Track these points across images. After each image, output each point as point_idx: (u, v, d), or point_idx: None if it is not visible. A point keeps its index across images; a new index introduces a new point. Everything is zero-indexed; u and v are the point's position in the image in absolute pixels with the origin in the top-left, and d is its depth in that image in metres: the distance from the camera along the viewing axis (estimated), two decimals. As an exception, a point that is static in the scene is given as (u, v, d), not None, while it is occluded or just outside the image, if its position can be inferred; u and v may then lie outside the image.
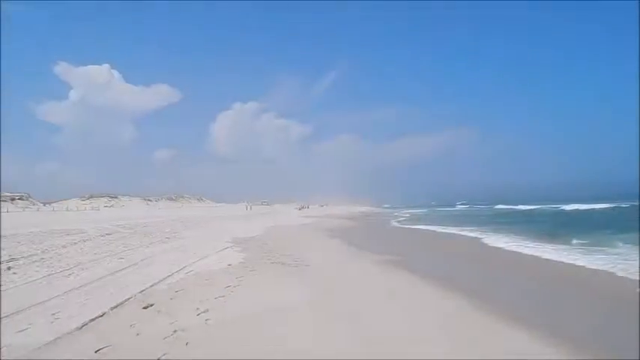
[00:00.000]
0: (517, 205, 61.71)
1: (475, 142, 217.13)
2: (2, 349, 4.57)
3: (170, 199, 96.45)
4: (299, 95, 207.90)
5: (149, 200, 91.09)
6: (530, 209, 50.14)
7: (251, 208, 71.85)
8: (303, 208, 79.56)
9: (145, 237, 16.74)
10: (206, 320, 5.63)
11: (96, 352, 4.50)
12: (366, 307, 6.63)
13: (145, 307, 6.23)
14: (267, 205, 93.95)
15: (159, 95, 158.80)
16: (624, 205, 40.65)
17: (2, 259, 9.80)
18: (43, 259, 10.50)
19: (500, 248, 15.22)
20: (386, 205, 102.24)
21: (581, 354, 4.70)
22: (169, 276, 8.63)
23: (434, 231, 25.30)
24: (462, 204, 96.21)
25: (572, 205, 45.59)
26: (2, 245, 11.63)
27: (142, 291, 7.24)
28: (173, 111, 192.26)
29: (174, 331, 5.12)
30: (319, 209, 77.69)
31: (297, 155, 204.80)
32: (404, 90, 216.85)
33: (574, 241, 15.27)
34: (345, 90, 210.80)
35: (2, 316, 5.64)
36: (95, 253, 11.65)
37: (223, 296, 6.97)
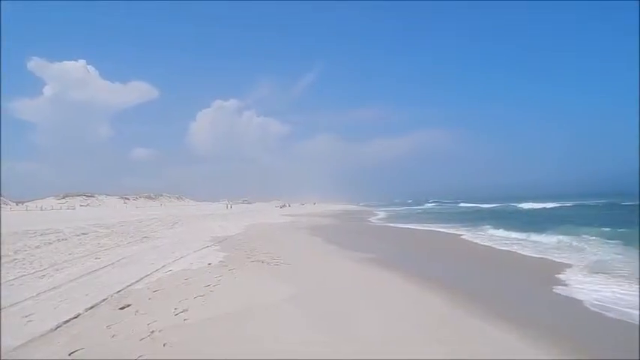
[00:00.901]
0: (482, 203, 65.95)
1: (449, 144, 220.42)
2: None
3: (149, 197, 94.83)
4: (279, 94, 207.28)
5: (127, 199, 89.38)
6: (492, 207, 54.11)
7: (231, 206, 71.29)
8: (284, 206, 79.41)
9: (122, 236, 16.44)
10: (184, 320, 5.58)
11: (70, 354, 4.41)
12: (346, 305, 6.67)
13: (121, 308, 6.12)
14: (248, 203, 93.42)
15: (137, 93, 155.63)
16: (568, 204, 45.96)
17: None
18: (15, 259, 10.22)
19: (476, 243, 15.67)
20: (364, 204, 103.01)
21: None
22: (147, 276, 8.50)
23: (410, 228, 25.59)
24: (432, 202, 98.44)
25: (529, 204, 49.96)
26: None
27: (119, 291, 7.12)
28: (151, 109, 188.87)
29: (152, 332, 5.05)
30: (300, 208, 77.62)
31: (278, 154, 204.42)
32: (382, 91, 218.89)
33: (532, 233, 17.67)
34: (325, 90, 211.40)
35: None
36: (70, 254, 11.39)
37: (202, 296, 6.91)
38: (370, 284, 8.60)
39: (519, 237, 17.06)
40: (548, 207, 43.75)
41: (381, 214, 48.19)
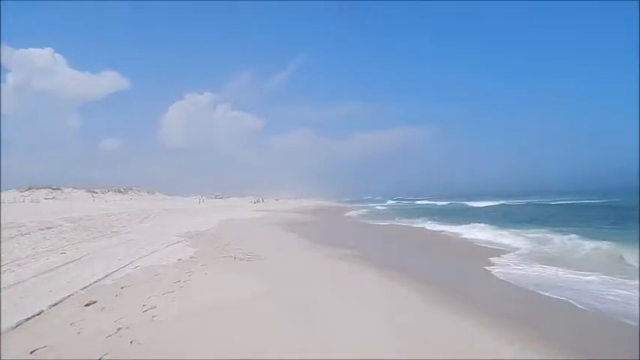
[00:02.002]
0: (438, 201, 72.38)
1: (426, 141, 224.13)
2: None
3: (118, 191, 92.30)
4: (255, 88, 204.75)
5: (95, 192, 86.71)
6: (444, 204, 59.39)
7: (204, 201, 70.31)
8: (258, 201, 78.80)
9: (89, 231, 15.97)
10: (153, 317, 5.48)
11: (31, 352, 4.27)
12: (320, 301, 6.70)
13: (87, 305, 5.96)
14: (222, 198, 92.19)
15: (107, 83, 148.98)
16: (509, 203, 49.14)
17: None
18: (-27, 254, 9.77)
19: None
20: (338, 200, 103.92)
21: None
22: (115, 271, 8.29)
23: (379, 224, 26.00)
24: (395, 199, 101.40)
25: (482, 202, 53.56)
26: None
27: (85, 287, 6.92)
28: (122, 99, 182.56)
29: (118, 329, 4.94)
30: (275, 203, 77.18)
31: (253, 148, 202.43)
32: (358, 88, 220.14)
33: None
34: (301, 85, 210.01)
35: None
36: (33, 249, 10.97)
37: (172, 292, 6.81)
38: (343, 279, 8.67)
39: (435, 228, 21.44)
40: (490, 205, 47.53)
41: (357, 211, 48.81)
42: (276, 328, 5.25)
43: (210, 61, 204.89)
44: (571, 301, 6.96)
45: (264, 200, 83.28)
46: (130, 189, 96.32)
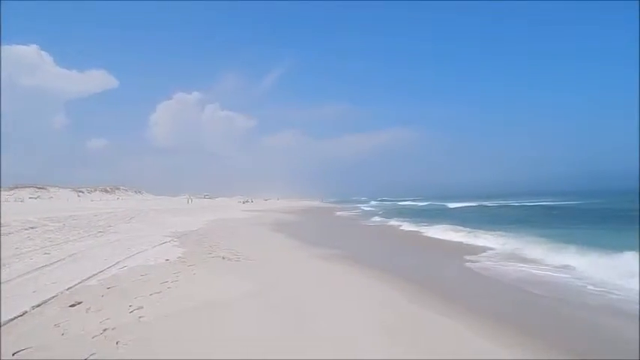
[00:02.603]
0: (420, 202, 75.73)
1: (415, 142, 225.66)
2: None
3: (105, 190, 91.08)
4: (245, 88, 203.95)
5: (81, 192, 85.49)
6: (424, 205, 61.88)
7: (192, 201, 69.81)
8: (247, 202, 78.53)
9: (74, 231, 15.74)
10: (139, 318, 5.42)
11: (14, 354, 4.19)
12: (308, 301, 6.69)
13: (72, 305, 5.87)
14: (210, 198, 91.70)
15: (94, 81, 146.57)
16: (489, 204, 49.72)
17: None
18: (-46, 254, 9.57)
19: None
20: (327, 201, 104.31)
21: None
22: (101, 272, 8.19)
23: (364, 224, 26.10)
24: (379, 199, 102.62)
25: (461, 203, 55.16)
26: None
27: (70, 288, 6.82)
28: (109, 98, 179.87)
29: (104, 330, 4.88)
30: (263, 203, 76.98)
31: (242, 149, 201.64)
32: (347, 89, 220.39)
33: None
34: (291, 85, 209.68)
35: None
36: (17, 248, 10.78)
37: (159, 292, 6.74)
38: (332, 279, 8.67)
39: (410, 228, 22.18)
40: (467, 206, 48.73)
41: (339, 213, 49.04)
42: (264, 329, 5.23)
43: (198, 61, 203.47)
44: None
45: (253, 200, 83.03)
46: (117, 188, 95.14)
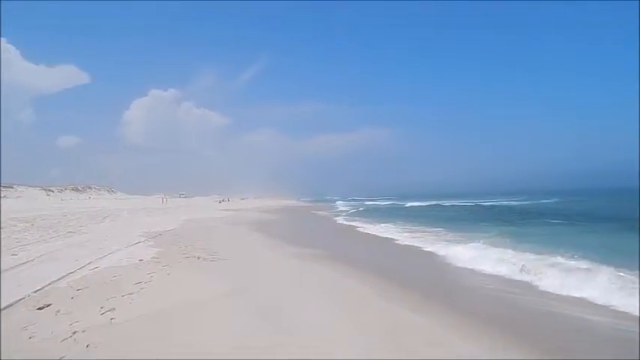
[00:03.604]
0: (382, 201, 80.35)
1: (390, 142, 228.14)
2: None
3: (76, 189, 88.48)
4: (221, 86, 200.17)
5: (50, 191, 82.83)
6: (385, 204, 64.61)
7: (167, 200, 68.62)
8: (223, 201, 77.68)
9: (43, 231, 15.26)
10: (111, 320, 5.32)
11: (-22, 359, 4.05)
12: (283, 300, 6.69)
13: (40, 308, 5.71)
14: (186, 197, 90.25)
15: (65, 76, 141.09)
16: (444, 204, 52.48)
17: None
18: None
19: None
20: (303, 199, 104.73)
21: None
22: (71, 273, 7.98)
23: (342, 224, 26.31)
24: (349, 199, 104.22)
25: (417, 202, 59.51)
26: None
27: (38, 290, 6.62)
28: (80, 95, 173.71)
29: (74, 333, 4.77)
30: (240, 202, 76.28)
31: (218, 147, 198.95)
32: (323, 89, 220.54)
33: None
34: (267, 84, 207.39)
35: None
36: (-18, 250, 10.38)
37: (131, 293, 6.62)
38: (308, 278, 8.70)
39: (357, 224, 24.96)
40: (421, 205, 51.94)
41: (314, 212, 49.41)
42: (239, 329, 5.21)
43: (174, 57, 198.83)
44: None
45: (230, 199, 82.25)
46: (89, 187, 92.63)
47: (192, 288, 7.31)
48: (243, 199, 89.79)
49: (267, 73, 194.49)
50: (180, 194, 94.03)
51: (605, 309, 6.56)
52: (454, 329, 5.52)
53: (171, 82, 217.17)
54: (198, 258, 10.41)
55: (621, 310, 6.41)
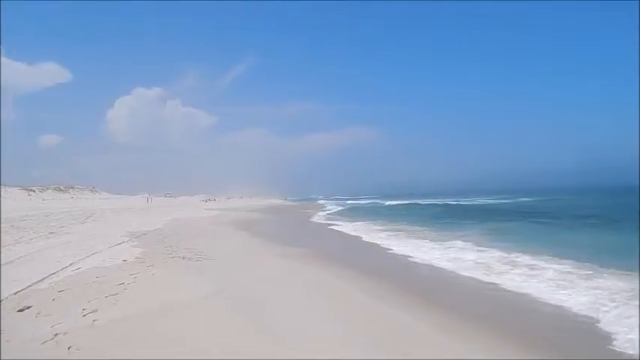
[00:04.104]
0: (362, 200, 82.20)
1: (377, 142, 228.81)
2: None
3: (58, 189, 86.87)
4: (207, 84, 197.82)
5: (32, 191, 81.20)
6: (365, 203, 66.26)
7: (152, 200, 67.89)
8: (209, 200, 77.15)
9: (24, 232, 14.95)
10: (93, 321, 5.23)
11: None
12: (269, 300, 6.68)
13: (20, 310, 5.59)
14: (171, 197, 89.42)
15: (46, 74, 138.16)
16: (420, 202, 53.98)
17: None
18: None
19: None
20: (289, 199, 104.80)
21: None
22: (52, 274, 7.83)
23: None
24: (333, 198, 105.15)
25: (393, 201, 61.11)
26: None
27: (18, 292, 6.48)
28: (63, 93, 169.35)
29: (55, 335, 4.67)
30: (226, 202, 75.82)
31: (204, 146, 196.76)
32: (310, 88, 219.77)
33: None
34: (254, 83, 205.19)
35: None
36: (-41, 251, 10.13)
37: (115, 294, 6.53)
38: (294, 277, 8.70)
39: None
40: (399, 204, 52.70)
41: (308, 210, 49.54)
42: (225, 329, 5.18)
43: (159, 55, 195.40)
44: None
45: (216, 199, 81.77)
46: (72, 187, 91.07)
47: (177, 288, 7.25)
48: (229, 198, 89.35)
49: (254, 72, 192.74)
50: (166, 194, 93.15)
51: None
52: (438, 327, 5.59)
53: (156, 81, 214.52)
54: (184, 258, 10.32)
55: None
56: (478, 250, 11.94)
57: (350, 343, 4.85)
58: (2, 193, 73.08)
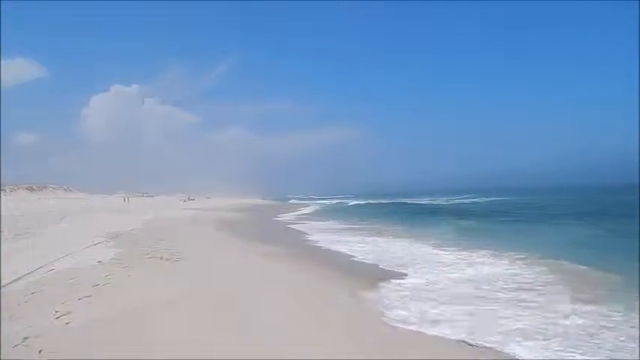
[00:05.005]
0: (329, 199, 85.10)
1: (358, 141, 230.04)
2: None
3: (30, 189, 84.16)
4: (187, 82, 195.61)
5: (2, 191, 78.71)
6: (331, 203, 69.24)
7: (129, 200, 66.61)
8: (188, 200, 76.17)
9: (-6, 233, 14.48)
10: (66, 323, 5.15)
11: None
12: (247, 300, 6.69)
13: (-11, 314, 5.44)
14: (149, 196, 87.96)
15: (19, 70, 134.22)
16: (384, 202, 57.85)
17: None
18: None
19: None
20: (270, 198, 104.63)
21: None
22: (24, 276, 7.64)
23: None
24: (306, 199, 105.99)
25: (355, 201, 65.54)
26: None
27: (-13, 295, 6.31)
28: (36, 89, 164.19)
29: (26, 338, 4.59)
30: (206, 201, 75.00)
31: (184, 145, 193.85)
32: (293, 87, 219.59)
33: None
34: (235, 81, 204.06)
35: None
36: None
37: (89, 296, 6.42)
38: (271, 276, 8.73)
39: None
40: (357, 204, 56.95)
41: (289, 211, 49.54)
42: (202, 330, 5.17)
43: (138, 52, 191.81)
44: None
45: (195, 198, 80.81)
46: (45, 187, 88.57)
47: (154, 289, 7.17)
48: (209, 197, 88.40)
49: (236, 71, 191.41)
50: (144, 193, 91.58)
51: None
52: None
53: (135, 78, 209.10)
54: (161, 258, 10.19)
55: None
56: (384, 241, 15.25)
57: (324, 341, 4.90)
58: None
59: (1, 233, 14.43)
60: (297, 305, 6.56)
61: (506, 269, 9.54)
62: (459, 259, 11.06)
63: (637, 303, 6.28)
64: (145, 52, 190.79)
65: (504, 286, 7.93)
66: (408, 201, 56.79)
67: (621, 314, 5.99)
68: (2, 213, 23.74)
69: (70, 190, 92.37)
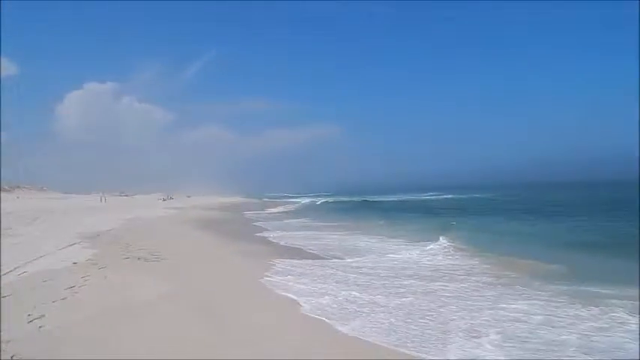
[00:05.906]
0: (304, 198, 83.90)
1: (338, 139, 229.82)
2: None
3: (2, 189, 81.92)
4: (165, 80, 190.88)
5: (-28, 191, 76.03)
6: (305, 202, 68.45)
7: (106, 199, 65.23)
8: (167, 199, 75.04)
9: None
10: (39, 328, 4.98)
11: None
12: (226, 300, 6.64)
13: (-43, 319, 5.22)
14: (127, 196, 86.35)
15: None
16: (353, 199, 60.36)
17: None
18: None
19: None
20: (249, 197, 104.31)
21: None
22: (-5, 279, 7.37)
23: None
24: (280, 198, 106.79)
25: (325, 199, 66.76)
26: None
27: (-45, 300, 6.06)
28: (7, 87, 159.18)
29: (-4, 344, 4.41)
30: (185, 200, 73.90)
31: (162, 143, 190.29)
32: (271, 84, 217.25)
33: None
34: (213, 79, 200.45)
35: None
36: None
37: (64, 298, 6.24)
38: (252, 275, 8.64)
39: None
40: (325, 202, 59.55)
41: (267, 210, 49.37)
42: (181, 330, 5.09)
43: (114, 48, 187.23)
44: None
45: (174, 198, 79.68)
46: (17, 187, 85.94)
47: (132, 290, 7.02)
48: (189, 196, 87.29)
49: (214, 68, 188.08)
50: (121, 192, 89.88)
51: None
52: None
53: (110, 75, 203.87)
54: (139, 259, 10.00)
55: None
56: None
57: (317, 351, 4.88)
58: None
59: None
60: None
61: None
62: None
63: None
64: (121, 48, 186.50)
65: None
66: (378, 199, 58.50)
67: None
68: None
69: (45, 190, 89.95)
